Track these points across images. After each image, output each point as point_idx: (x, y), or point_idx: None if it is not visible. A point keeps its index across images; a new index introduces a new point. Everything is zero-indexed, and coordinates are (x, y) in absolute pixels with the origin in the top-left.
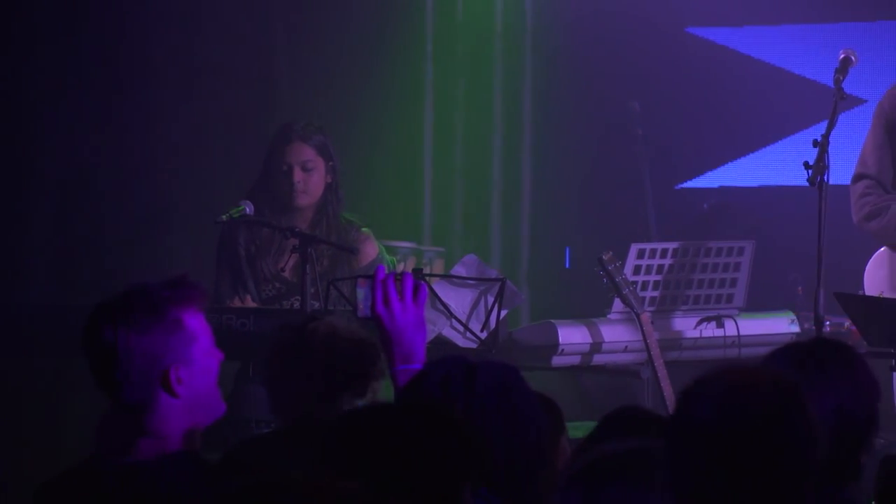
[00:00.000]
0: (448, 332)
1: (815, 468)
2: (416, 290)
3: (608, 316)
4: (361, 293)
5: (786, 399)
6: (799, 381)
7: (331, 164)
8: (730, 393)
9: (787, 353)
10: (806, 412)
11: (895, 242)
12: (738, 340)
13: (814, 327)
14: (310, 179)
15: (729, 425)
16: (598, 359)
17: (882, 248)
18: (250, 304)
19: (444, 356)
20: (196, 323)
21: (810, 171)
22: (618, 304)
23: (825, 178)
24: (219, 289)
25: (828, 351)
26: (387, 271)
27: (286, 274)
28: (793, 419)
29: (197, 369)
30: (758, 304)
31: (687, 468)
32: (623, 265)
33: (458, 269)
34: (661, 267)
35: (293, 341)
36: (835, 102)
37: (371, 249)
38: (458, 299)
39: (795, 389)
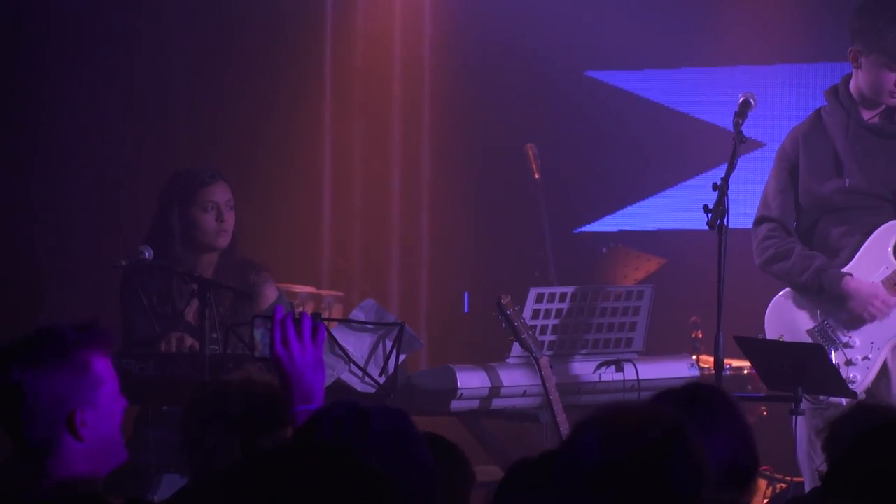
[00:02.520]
0: (347, 377)
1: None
2: (315, 330)
3: (507, 360)
4: (259, 334)
5: (669, 436)
6: (683, 419)
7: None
8: (613, 433)
9: (667, 400)
10: (691, 448)
11: (798, 285)
12: (638, 384)
13: (713, 371)
14: (229, 220)
15: (613, 465)
16: (497, 403)
17: (781, 293)
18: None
19: (334, 401)
20: (103, 367)
21: (710, 215)
22: (517, 349)
23: (725, 221)
24: (135, 331)
25: (707, 395)
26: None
27: (188, 318)
28: (678, 456)
29: (102, 413)
30: (658, 348)
31: None
32: (522, 309)
33: (357, 314)
34: (559, 311)
35: (210, 392)
36: (734, 146)
37: (272, 292)
38: (356, 344)
39: (679, 426)
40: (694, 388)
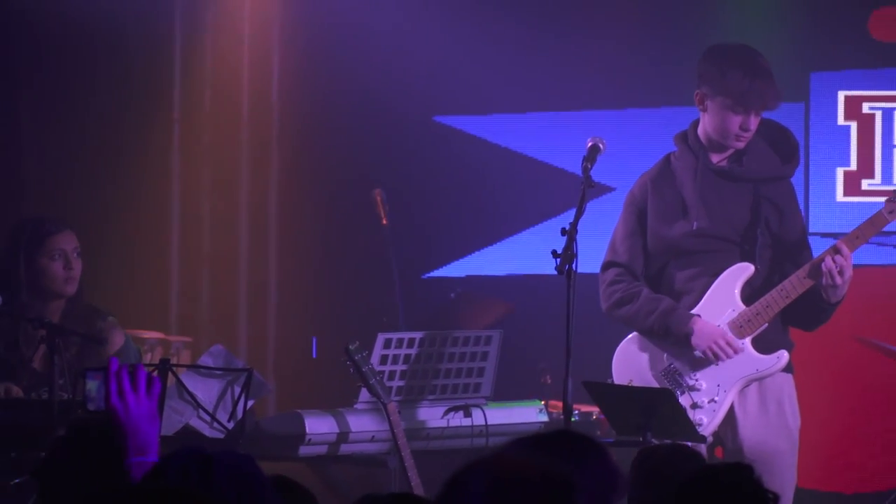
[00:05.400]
0: (195, 423)
1: None
2: (150, 382)
3: (355, 406)
4: (94, 385)
5: (556, 491)
6: (570, 473)
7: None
8: (502, 480)
9: (528, 444)
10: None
11: (645, 328)
12: (486, 430)
13: (562, 416)
14: (77, 267)
15: None
16: (346, 448)
17: (630, 337)
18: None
19: (180, 448)
20: None
21: (559, 260)
22: (365, 394)
23: (574, 266)
24: None
25: (568, 441)
26: (133, 360)
27: (35, 365)
28: None
29: None
30: (506, 393)
31: None
32: (370, 355)
33: (206, 360)
34: (408, 356)
35: (71, 438)
36: (583, 190)
37: (118, 338)
38: (205, 389)
39: (567, 481)
40: (562, 434)
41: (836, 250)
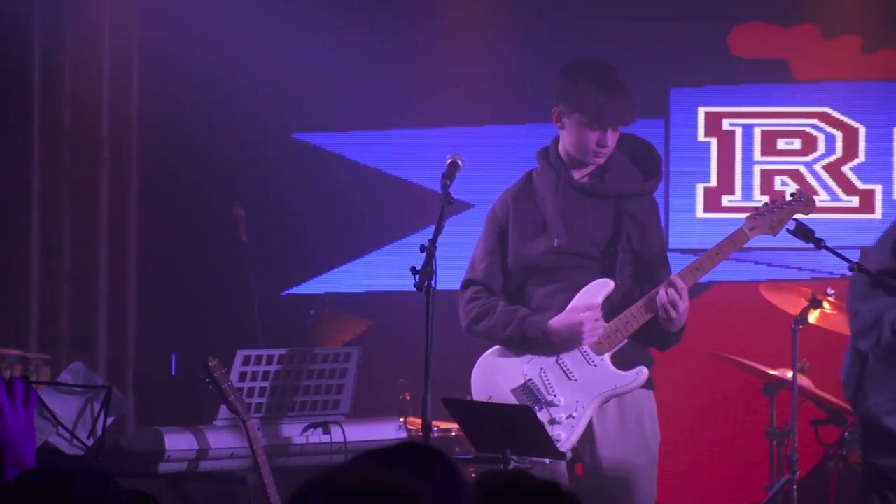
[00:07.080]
0: (55, 439)
1: None
2: (27, 395)
3: (215, 423)
4: None
5: None
6: (418, 489)
7: None
8: (337, 500)
9: (376, 458)
10: None
11: (504, 339)
12: (345, 447)
13: (421, 433)
14: None
15: None
16: (205, 465)
17: (488, 353)
18: None
19: (42, 465)
20: None
21: (418, 277)
22: (224, 411)
23: (433, 283)
24: None
25: (417, 454)
26: None
27: None
28: None
29: None
30: (365, 409)
31: None
32: (229, 372)
33: (65, 377)
34: (267, 373)
35: None
36: (442, 207)
37: None
38: (64, 407)
39: (412, 497)
40: (410, 447)
41: (670, 283)
